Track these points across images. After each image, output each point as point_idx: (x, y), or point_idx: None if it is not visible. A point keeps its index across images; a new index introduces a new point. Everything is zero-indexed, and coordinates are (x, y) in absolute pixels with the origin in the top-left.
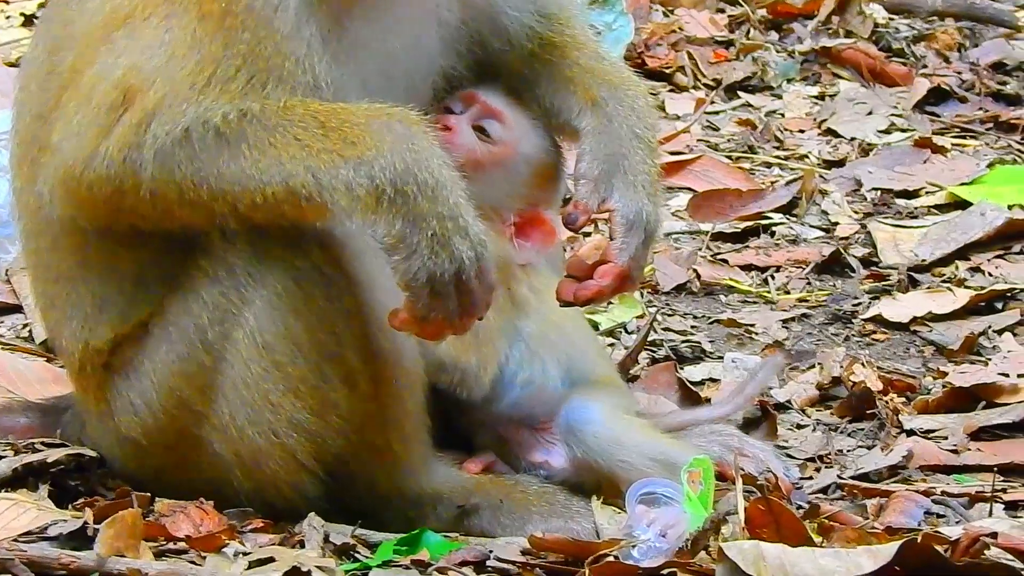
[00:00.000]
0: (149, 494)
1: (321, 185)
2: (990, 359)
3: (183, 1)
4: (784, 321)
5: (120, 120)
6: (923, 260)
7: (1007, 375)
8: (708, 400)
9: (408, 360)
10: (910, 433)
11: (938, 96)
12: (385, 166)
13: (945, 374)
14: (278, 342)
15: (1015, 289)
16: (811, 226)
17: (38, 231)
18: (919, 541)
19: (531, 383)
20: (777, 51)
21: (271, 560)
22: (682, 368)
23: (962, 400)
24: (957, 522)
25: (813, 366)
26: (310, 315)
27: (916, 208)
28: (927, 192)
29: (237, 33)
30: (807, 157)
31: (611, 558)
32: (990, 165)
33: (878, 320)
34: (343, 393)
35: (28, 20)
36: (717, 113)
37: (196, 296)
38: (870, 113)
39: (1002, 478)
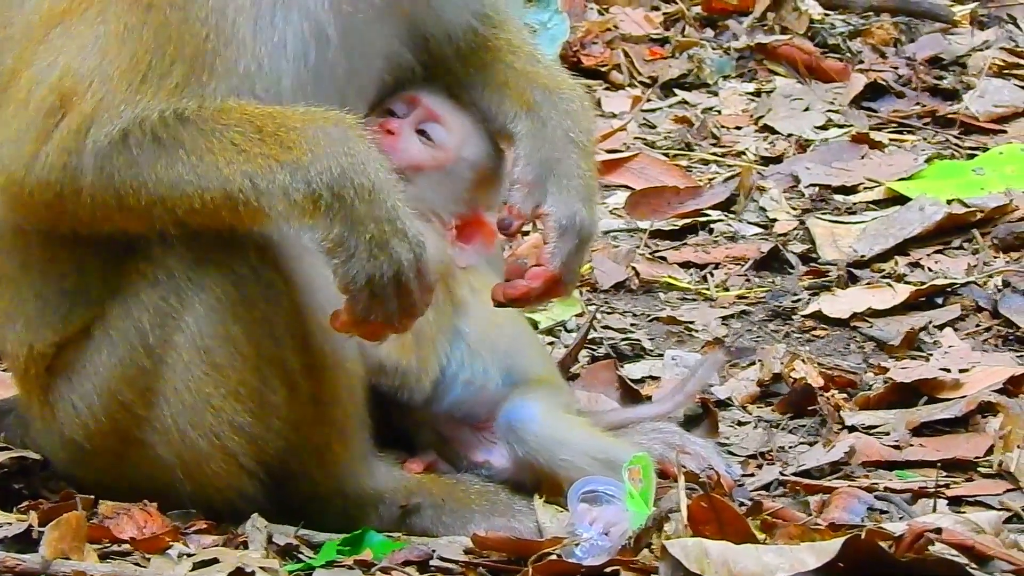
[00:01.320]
0: (93, 496)
1: (258, 190)
2: (931, 354)
3: None
4: (723, 318)
5: (58, 126)
6: (862, 256)
7: (948, 370)
8: (649, 398)
9: (348, 361)
10: (852, 429)
11: (875, 91)
12: (321, 170)
13: (886, 370)
14: (218, 345)
15: (955, 284)
16: (749, 223)
17: None
18: (863, 537)
19: (472, 383)
20: (713, 48)
21: (215, 561)
22: (622, 366)
23: (903, 396)
24: (900, 518)
25: (753, 363)
26: (250, 318)
27: (854, 204)
28: (865, 188)
29: (168, 27)
30: (744, 154)
31: (554, 557)
32: (928, 160)
33: (818, 316)
34: (283, 395)
35: None
36: (653, 111)
37: (137, 300)
38: (807, 109)
39: (945, 473)
